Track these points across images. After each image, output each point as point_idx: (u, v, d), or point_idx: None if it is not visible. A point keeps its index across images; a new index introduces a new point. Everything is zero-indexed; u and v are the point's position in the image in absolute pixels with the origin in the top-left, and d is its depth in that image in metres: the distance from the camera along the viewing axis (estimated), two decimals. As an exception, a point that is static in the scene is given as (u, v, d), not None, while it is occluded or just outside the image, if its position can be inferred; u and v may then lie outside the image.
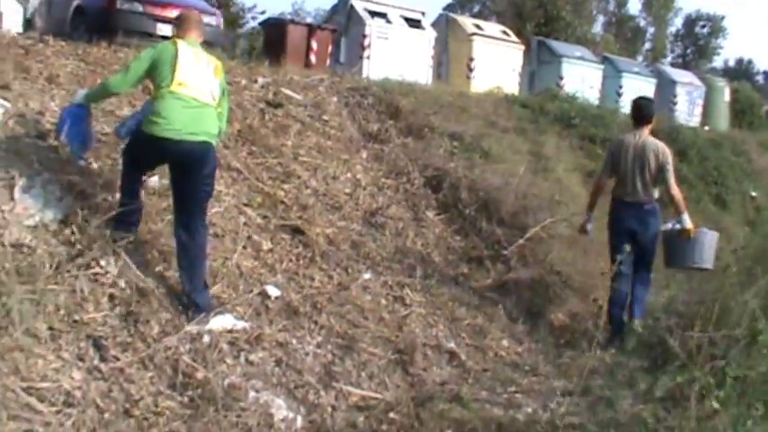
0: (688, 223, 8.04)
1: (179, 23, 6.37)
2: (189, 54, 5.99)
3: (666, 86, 23.57)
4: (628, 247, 7.61)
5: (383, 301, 7.45)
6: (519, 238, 9.30)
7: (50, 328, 5.15)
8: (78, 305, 5.45)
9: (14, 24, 12.64)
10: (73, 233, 5.93)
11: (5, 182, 6.02)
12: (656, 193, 8.15)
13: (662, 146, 8.14)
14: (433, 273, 8.35)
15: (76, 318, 5.35)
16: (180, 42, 6.03)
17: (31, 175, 6.18)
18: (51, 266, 5.55)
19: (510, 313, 8.33)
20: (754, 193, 17.11)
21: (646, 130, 8.16)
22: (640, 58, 56.53)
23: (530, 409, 6.18)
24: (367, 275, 7.69)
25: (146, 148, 6.01)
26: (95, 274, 5.73)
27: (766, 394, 4.79)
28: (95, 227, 5.94)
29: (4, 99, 6.98)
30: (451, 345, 7.28)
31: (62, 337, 5.17)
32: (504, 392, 6.58)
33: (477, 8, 62.29)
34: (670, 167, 8.02)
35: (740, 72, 69.72)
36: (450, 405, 6.06)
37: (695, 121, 23.45)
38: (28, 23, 13.76)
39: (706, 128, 21.70)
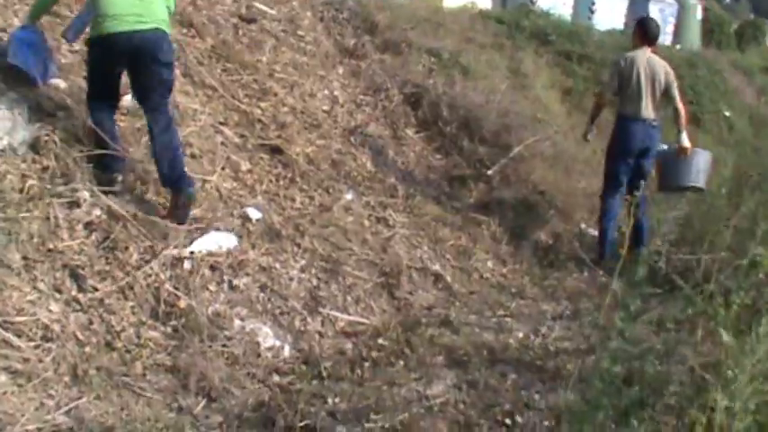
0: (686, 141, 8.06)
1: None
2: None
3: (639, 4, 23.18)
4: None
5: (366, 222, 7.26)
6: (501, 157, 9.14)
7: (24, 258, 4.89)
8: (53, 233, 5.17)
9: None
10: (43, 156, 5.63)
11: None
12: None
13: (667, 64, 8.15)
14: (415, 192, 8.16)
15: (51, 246, 5.08)
16: None
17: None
18: (22, 192, 5.27)
19: (493, 234, 8.22)
20: (727, 113, 17.06)
21: (650, 50, 8.08)
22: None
23: (520, 334, 6.06)
24: (349, 196, 7.47)
25: (101, 53, 5.73)
26: (69, 200, 5.44)
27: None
28: (68, 150, 5.67)
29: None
30: (436, 267, 7.13)
31: (37, 268, 4.91)
32: (492, 316, 6.46)
33: None
34: (676, 85, 8.08)
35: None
36: (440, 330, 5.94)
37: (668, 39, 23.20)
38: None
39: (678, 47, 21.53)
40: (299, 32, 9.78)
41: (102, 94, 5.88)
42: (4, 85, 5.91)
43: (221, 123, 7.33)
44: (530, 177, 9.10)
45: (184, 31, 8.28)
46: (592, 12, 21.23)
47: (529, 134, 9.56)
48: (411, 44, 10.71)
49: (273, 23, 9.62)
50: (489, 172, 8.85)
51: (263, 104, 7.94)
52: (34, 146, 5.68)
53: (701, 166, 8.20)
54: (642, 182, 7.79)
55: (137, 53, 5.66)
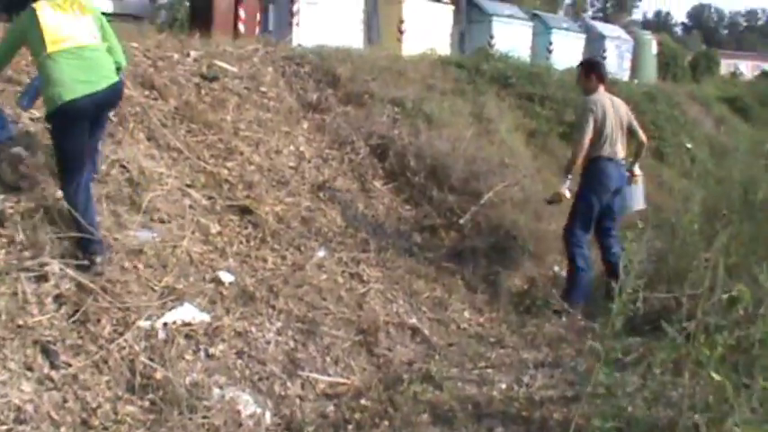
0: (638, 170, 8.65)
1: None
2: (48, 10, 5.63)
3: (596, 41, 23.66)
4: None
5: (340, 279, 7.16)
6: (471, 204, 9.07)
7: (-8, 336, 4.75)
8: (21, 308, 5.04)
9: None
10: (8, 229, 5.52)
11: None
12: None
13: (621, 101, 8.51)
14: (387, 246, 8.08)
15: (20, 322, 4.94)
16: (37, 5, 5.64)
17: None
18: (-12, 268, 5.15)
19: (468, 283, 8.17)
20: (689, 145, 17.26)
21: (604, 89, 8.39)
22: (561, 13, 56.84)
23: (503, 385, 5.98)
24: (321, 253, 7.38)
25: (65, 119, 5.65)
26: (37, 274, 5.31)
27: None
28: (33, 223, 5.57)
29: None
30: (413, 320, 7.05)
31: (7, 345, 4.77)
32: (474, 368, 6.38)
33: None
34: (633, 117, 8.52)
35: (659, 24, 70.67)
36: (423, 386, 5.83)
37: (625, 75, 23.59)
38: None
39: (635, 81, 21.83)
40: (262, 89, 9.74)
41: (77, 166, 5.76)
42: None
43: (188, 186, 7.23)
44: (501, 223, 9.03)
45: (146, 93, 8.23)
46: (549, 52, 21.52)
47: (497, 179, 9.51)
48: (373, 95, 10.68)
49: (236, 81, 9.58)
50: (461, 221, 8.78)
51: (229, 164, 7.86)
52: (-2, 221, 5.57)
53: (640, 189, 8.72)
54: (616, 220, 7.88)
55: (97, 112, 5.82)
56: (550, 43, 21.93)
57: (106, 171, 6.65)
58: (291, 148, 8.92)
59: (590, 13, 69.70)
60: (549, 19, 23.73)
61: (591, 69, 8.48)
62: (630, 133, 8.41)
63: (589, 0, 71.07)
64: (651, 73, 25.45)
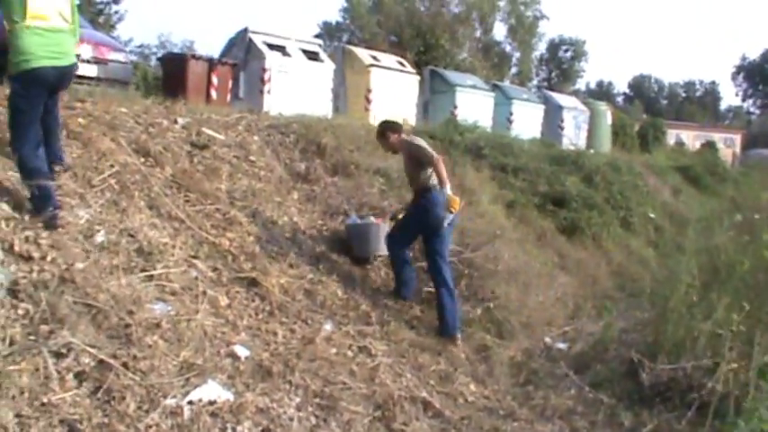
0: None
1: None
2: None
3: (554, 111, 24.07)
4: None
5: (349, 353, 7.07)
6: (464, 275, 9.09)
7: (18, 416, 4.58)
8: (44, 385, 4.87)
9: None
10: (22, 301, 5.38)
11: (-63, 246, 5.46)
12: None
13: None
14: (388, 318, 8.06)
15: (44, 400, 4.77)
16: None
17: (-32, 237, 5.64)
18: (6, 342, 4.99)
19: (467, 354, 8.11)
20: (652, 215, 17.54)
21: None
22: (508, 82, 57.74)
23: (527, 461, 5.91)
24: (328, 326, 7.31)
25: (28, 84, 6.26)
26: (56, 349, 5.16)
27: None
28: (46, 293, 5.43)
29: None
30: (424, 394, 6.94)
31: (33, 425, 4.59)
32: (494, 443, 6.31)
33: (345, 37, 62.54)
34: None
35: (601, 94, 72.08)
36: (448, 464, 5.74)
37: (581, 144, 23.99)
38: None
39: (591, 150, 22.19)
40: (251, 158, 9.77)
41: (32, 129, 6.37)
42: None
43: (193, 257, 7.16)
44: (494, 294, 9.06)
45: (142, 159, 8.23)
46: (510, 121, 21.80)
47: (489, 251, 9.55)
48: (359, 166, 10.77)
49: (224, 149, 9.59)
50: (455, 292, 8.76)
51: (229, 235, 7.81)
52: (12, 290, 5.44)
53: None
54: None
55: (54, 86, 6.55)
56: (511, 113, 22.28)
57: (115, 240, 6.56)
58: (285, 218, 8.93)
59: (535, 81, 70.92)
60: (509, 90, 24.14)
61: (387, 130, 8.97)
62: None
63: (534, 70, 72.27)
64: (606, 142, 25.99)
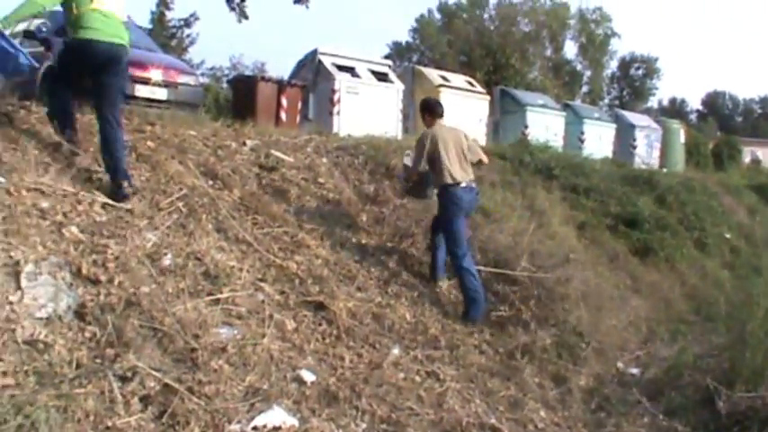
0: None
1: None
2: None
3: (626, 131, 23.73)
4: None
5: (417, 378, 6.95)
6: (535, 298, 8.92)
7: (82, 439, 4.56)
8: (109, 409, 4.86)
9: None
10: (89, 324, 5.39)
11: (9, 268, 5.52)
12: None
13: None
14: (457, 342, 7.91)
15: (109, 424, 4.75)
16: None
17: (37, 259, 5.70)
18: (73, 365, 4.99)
19: (538, 380, 7.93)
20: (727, 235, 17.10)
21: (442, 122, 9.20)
22: (579, 101, 57.28)
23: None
24: (396, 351, 7.20)
25: (75, 54, 7.31)
26: (122, 372, 5.15)
27: None
28: (113, 317, 5.44)
29: (-3, 174, 6.47)
30: (492, 420, 6.77)
31: (98, 449, 4.58)
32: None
33: (414, 58, 62.72)
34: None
35: (674, 111, 71.05)
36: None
37: (654, 163, 23.60)
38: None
39: (664, 170, 21.80)
40: (320, 180, 9.76)
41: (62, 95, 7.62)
42: (44, 249, 5.78)
43: (260, 280, 7.14)
44: (566, 318, 8.87)
45: (210, 182, 8.29)
46: (581, 141, 21.54)
47: (560, 273, 9.37)
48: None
49: (293, 171, 9.62)
50: (526, 315, 8.61)
51: (297, 258, 7.79)
52: (79, 312, 5.50)
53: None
54: None
55: (103, 61, 7.29)
56: (582, 133, 22.01)
57: (182, 264, 6.57)
58: (354, 240, 8.87)
59: (606, 100, 70.24)
60: (580, 109, 23.88)
61: (423, 110, 9.36)
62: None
63: (606, 88, 71.60)
64: (679, 161, 25.50)
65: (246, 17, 10.12)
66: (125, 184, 7.11)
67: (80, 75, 7.42)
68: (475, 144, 9.29)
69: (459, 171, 8.66)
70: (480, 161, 9.27)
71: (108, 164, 7.18)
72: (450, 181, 8.61)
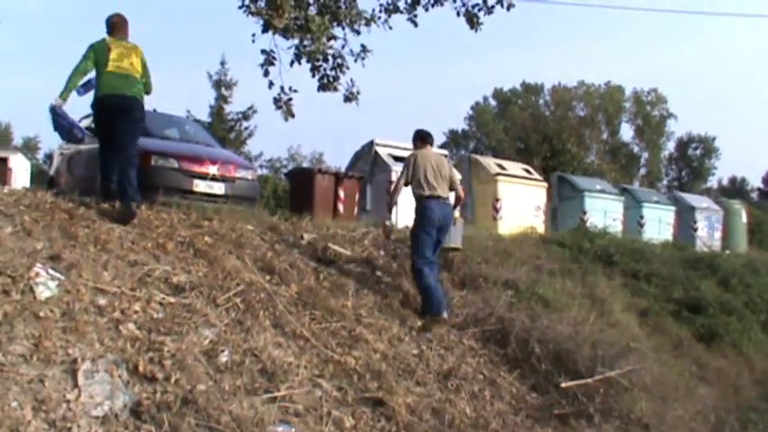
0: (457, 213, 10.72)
1: (111, 27, 9.35)
2: (117, 46, 9.17)
3: (686, 213, 23.44)
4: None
5: (483, 476, 6.80)
6: (599, 390, 8.71)
7: None
8: None
9: (24, 180, 12.56)
10: (145, 422, 5.37)
11: (66, 365, 5.58)
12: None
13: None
14: (518, 437, 7.73)
15: None
16: (108, 39, 9.22)
17: (94, 357, 5.74)
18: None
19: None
20: (796, 319, 16.61)
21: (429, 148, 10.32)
22: (637, 184, 56.95)
23: None
24: (456, 446, 7.06)
25: (99, 108, 9.11)
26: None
27: None
28: (170, 416, 5.41)
29: (56, 270, 6.58)
30: None
31: None
32: None
33: (471, 145, 63.17)
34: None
35: (734, 191, 70.18)
36: None
37: (716, 245, 23.22)
38: (51, 182, 13.32)
39: (727, 252, 21.42)
40: (377, 273, 9.73)
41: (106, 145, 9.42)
42: (102, 346, 5.83)
43: (318, 376, 7.07)
44: (631, 409, 8.63)
45: (268, 277, 8.30)
46: (641, 225, 21.35)
47: (622, 363, 9.16)
48: (487, 278, 10.62)
49: (351, 265, 9.65)
50: (590, 408, 8.41)
51: (355, 353, 7.71)
52: (135, 411, 5.49)
53: (459, 232, 10.33)
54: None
55: (119, 110, 9.02)
56: (642, 217, 21.79)
57: (239, 360, 6.55)
58: (412, 334, 8.75)
59: (665, 182, 69.80)
60: (639, 193, 23.68)
61: (416, 139, 10.32)
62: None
63: (664, 169, 71.26)
64: (742, 242, 25.01)
65: (293, 115, 10.21)
66: (132, 204, 8.57)
67: (107, 128, 9.13)
68: (456, 176, 10.59)
69: (436, 185, 9.67)
70: (456, 190, 10.20)
71: (117, 189, 8.78)
72: (425, 193, 9.65)
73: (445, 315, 9.23)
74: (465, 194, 10.98)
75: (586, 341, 9.32)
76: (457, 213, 10.53)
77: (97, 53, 9.01)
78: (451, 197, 10.12)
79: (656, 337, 11.83)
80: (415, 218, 9.77)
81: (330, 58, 10.40)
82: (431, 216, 9.56)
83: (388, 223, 10.14)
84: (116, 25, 9.32)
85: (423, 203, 9.68)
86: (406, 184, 9.90)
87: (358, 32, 10.58)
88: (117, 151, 8.95)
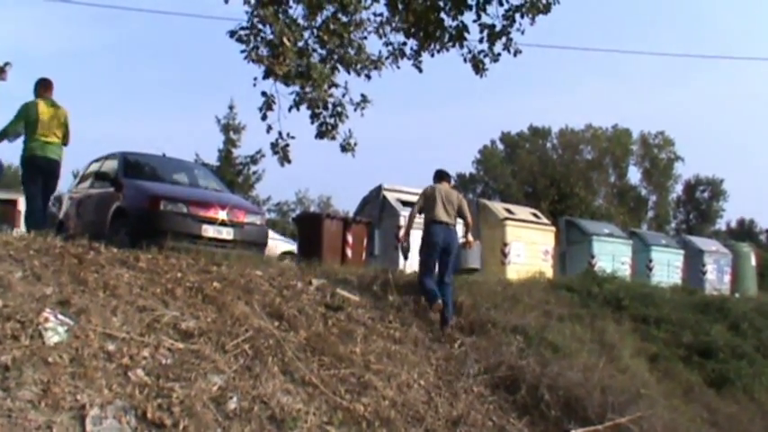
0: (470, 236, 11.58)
1: (39, 87, 11.22)
2: (45, 109, 10.99)
3: (694, 256, 23.40)
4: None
5: None
6: (610, 438, 8.66)
7: None
8: None
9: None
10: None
11: (75, 412, 5.58)
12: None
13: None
14: (528, 485, 7.66)
15: None
16: (39, 101, 11.06)
17: (103, 403, 5.73)
18: None
19: None
20: (813, 366, 16.49)
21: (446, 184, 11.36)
22: (645, 227, 56.85)
23: None
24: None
25: (29, 167, 11.00)
26: None
27: None
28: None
29: (65, 315, 6.57)
30: None
31: None
32: None
33: (479, 188, 63.25)
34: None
35: (743, 233, 69.94)
36: None
37: (725, 288, 23.15)
38: (60, 226, 13.35)
39: (736, 295, 21.35)
40: (386, 318, 9.69)
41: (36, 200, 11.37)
42: (110, 392, 5.83)
43: (327, 423, 7.04)
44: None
45: (276, 323, 8.29)
46: (650, 269, 21.31)
47: (634, 409, 9.10)
48: (496, 324, 10.58)
49: (360, 310, 9.63)
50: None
51: (364, 400, 7.66)
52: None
53: (477, 253, 11.91)
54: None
55: (45, 171, 11.08)
56: (650, 260, 21.74)
57: (247, 407, 6.52)
58: (422, 381, 8.72)
59: (673, 224, 69.66)
60: (647, 236, 23.66)
61: (435, 177, 11.40)
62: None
63: (672, 212, 71.20)
64: (752, 285, 24.92)
65: (289, 161, 10.17)
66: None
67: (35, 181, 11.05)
68: (465, 204, 11.33)
69: (442, 213, 10.79)
70: (465, 218, 11.21)
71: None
72: (434, 218, 10.77)
73: (440, 301, 10.22)
74: (474, 221, 12.19)
75: (596, 387, 9.27)
76: (470, 237, 11.48)
77: (27, 114, 10.93)
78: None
79: (666, 383, 11.76)
80: (422, 241, 10.88)
81: (330, 105, 10.39)
82: (434, 239, 10.70)
83: (405, 244, 11.18)
84: (45, 88, 11.26)
85: (428, 228, 10.84)
86: (419, 212, 11.04)
87: (369, 77, 10.58)
88: (44, 196, 11.23)
